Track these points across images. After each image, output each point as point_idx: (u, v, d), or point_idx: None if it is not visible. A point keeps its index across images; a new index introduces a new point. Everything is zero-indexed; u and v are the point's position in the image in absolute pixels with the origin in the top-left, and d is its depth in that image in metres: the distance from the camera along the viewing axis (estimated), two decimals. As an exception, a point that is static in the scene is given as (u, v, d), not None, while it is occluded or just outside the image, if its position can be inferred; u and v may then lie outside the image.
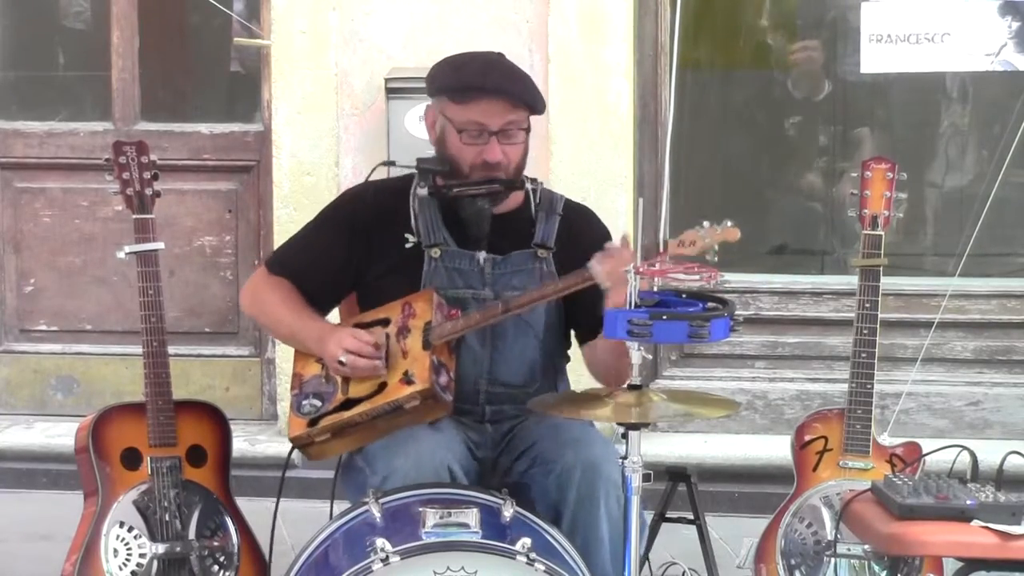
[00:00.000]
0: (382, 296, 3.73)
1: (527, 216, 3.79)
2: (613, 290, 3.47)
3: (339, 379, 3.66)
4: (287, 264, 3.86)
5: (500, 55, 3.86)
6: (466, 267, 3.73)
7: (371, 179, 3.88)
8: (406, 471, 3.45)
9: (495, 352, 3.72)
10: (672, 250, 3.52)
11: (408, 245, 3.72)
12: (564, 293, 3.59)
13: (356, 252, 3.78)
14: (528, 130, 3.73)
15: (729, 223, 3.53)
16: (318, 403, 3.65)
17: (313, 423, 3.63)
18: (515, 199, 3.77)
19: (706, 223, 3.54)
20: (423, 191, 3.69)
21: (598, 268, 3.50)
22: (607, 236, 3.82)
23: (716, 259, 3.48)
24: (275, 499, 3.81)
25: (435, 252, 3.72)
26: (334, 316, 3.90)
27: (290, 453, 3.76)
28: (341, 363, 3.60)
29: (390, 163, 3.87)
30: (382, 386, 3.60)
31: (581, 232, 3.80)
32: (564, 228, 3.80)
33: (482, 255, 3.72)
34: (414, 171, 3.77)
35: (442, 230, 3.74)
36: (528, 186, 3.77)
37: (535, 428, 3.65)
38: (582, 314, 3.72)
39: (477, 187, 3.66)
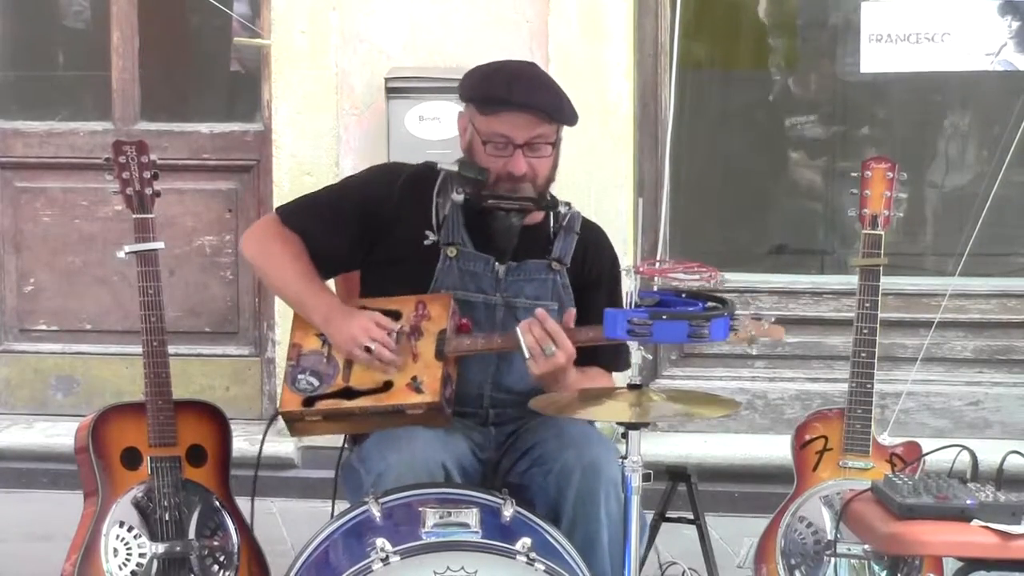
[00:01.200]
0: (387, 282, 3.73)
1: (546, 231, 3.79)
2: (531, 361, 3.52)
3: (340, 362, 3.64)
4: (303, 221, 3.80)
5: (532, 65, 3.88)
6: (480, 270, 3.72)
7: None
8: (399, 468, 3.45)
9: (501, 359, 3.71)
10: None
11: (427, 242, 3.71)
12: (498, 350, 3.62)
13: (370, 231, 3.75)
14: (556, 143, 3.71)
15: (773, 319, 3.56)
16: (315, 382, 3.63)
17: (309, 403, 3.62)
18: (537, 212, 3.76)
19: (752, 316, 3.55)
20: (459, 197, 3.66)
21: (523, 337, 3.53)
22: (615, 262, 3.88)
23: (754, 351, 3.55)
24: (275, 499, 3.82)
25: (451, 251, 3.71)
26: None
27: (271, 421, 3.80)
28: (368, 350, 3.58)
29: (432, 164, 3.77)
30: (387, 384, 3.58)
31: (594, 256, 3.83)
32: (580, 248, 3.80)
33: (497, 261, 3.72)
34: (445, 168, 3.73)
35: (461, 231, 3.73)
36: (561, 209, 3.76)
37: (538, 430, 3.65)
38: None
39: (511, 202, 3.64)
